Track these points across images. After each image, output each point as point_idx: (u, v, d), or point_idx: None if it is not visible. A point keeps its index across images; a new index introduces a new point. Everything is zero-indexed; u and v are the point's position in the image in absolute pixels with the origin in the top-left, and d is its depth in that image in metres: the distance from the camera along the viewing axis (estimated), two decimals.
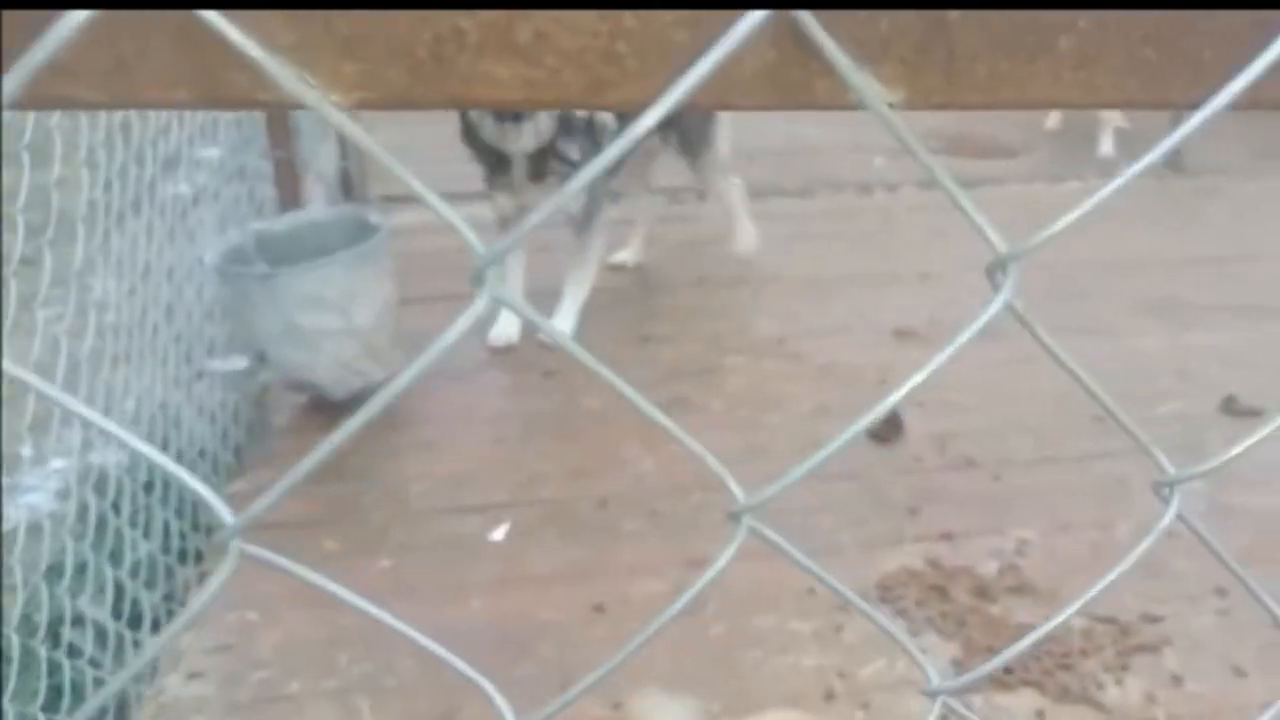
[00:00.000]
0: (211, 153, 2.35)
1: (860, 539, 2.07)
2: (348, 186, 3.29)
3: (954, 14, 0.40)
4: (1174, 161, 4.14)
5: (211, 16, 0.36)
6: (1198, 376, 2.67)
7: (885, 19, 0.40)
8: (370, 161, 3.33)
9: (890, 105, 0.41)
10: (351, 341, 2.23)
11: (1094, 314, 3.04)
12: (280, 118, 2.78)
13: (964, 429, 2.42)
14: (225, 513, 0.46)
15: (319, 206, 2.83)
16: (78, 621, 1.62)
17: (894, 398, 0.43)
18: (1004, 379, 2.43)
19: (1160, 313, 3.05)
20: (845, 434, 0.46)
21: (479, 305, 0.41)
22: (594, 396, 2.53)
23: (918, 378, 0.45)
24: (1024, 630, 1.86)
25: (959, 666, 1.77)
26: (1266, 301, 3.09)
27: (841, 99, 0.41)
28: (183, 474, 0.45)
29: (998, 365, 2.67)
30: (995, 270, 0.44)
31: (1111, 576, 0.52)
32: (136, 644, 1.72)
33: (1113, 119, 4.31)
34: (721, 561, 0.50)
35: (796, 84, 0.40)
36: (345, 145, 3.26)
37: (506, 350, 2.76)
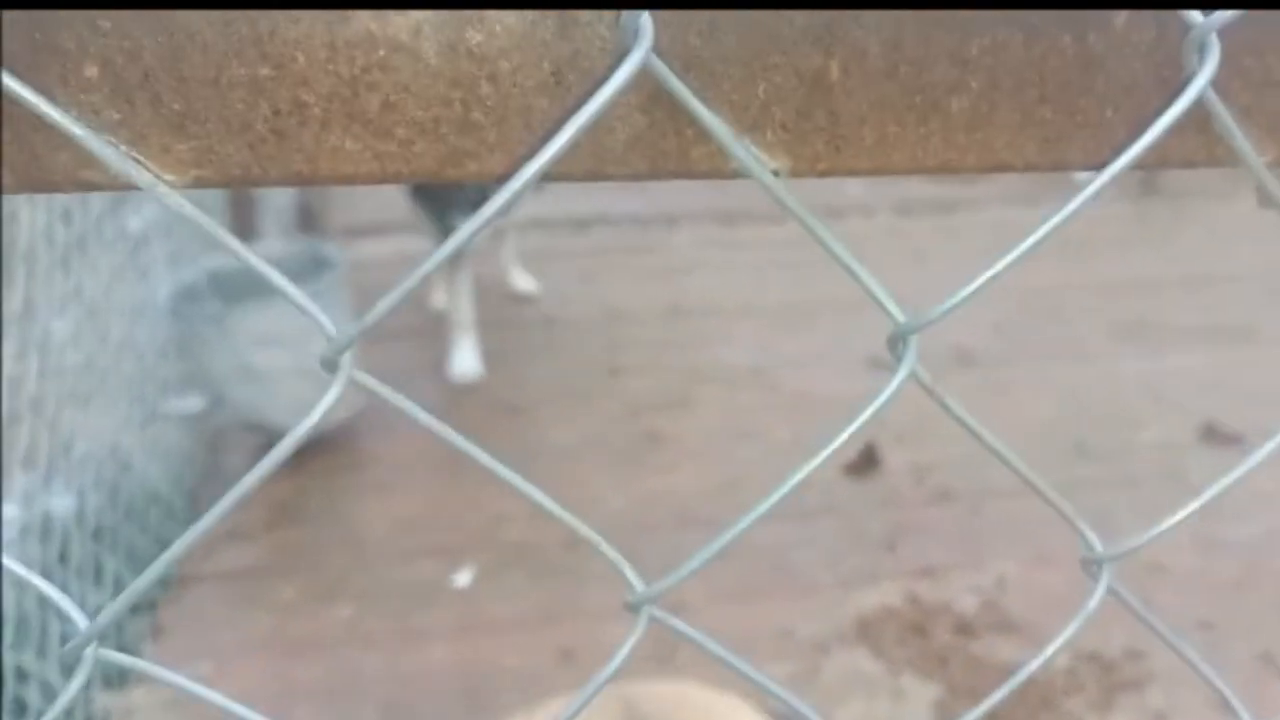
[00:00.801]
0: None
1: (837, 576, 2.04)
2: (307, 219, 3.26)
3: (835, 75, 0.37)
4: (1148, 184, 4.15)
5: (25, 92, 0.33)
6: (1176, 401, 2.65)
7: (763, 82, 0.37)
8: (331, 193, 3.30)
9: (774, 174, 0.38)
10: (308, 381, 2.18)
11: (1071, 337, 3.03)
12: None
13: (942, 460, 2.40)
14: (80, 619, 0.43)
15: (274, 241, 2.79)
16: (22, 677, 1.57)
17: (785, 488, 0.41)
18: (982, 408, 2.41)
19: (1136, 336, 3.05)
20: (748, 517, 0.44)
21: (333, 393, 0.38)
22: (562, 433, 2.50)
23: (821, 457, 0.42)
24: (1007, 669, 1.83)
25: (941, 708, 1.73)
26: (1242, 323, 3.09)
27: (721, 167, 0.38)
28: (34, 579, 0.43)
29: (975, 394, 2.66)
30: (895, 342, 0.41)
31: (1046, 654, 0.49)
32: (87, 700, 1.67)
33: None
34: (622, 653, 0.47)
35: (671, 152, 0.38)
36: None
37: (470, 387, 2.72)
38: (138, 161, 0.35)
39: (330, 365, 0.37)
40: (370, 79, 0.35)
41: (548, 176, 0.36)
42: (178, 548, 0.39)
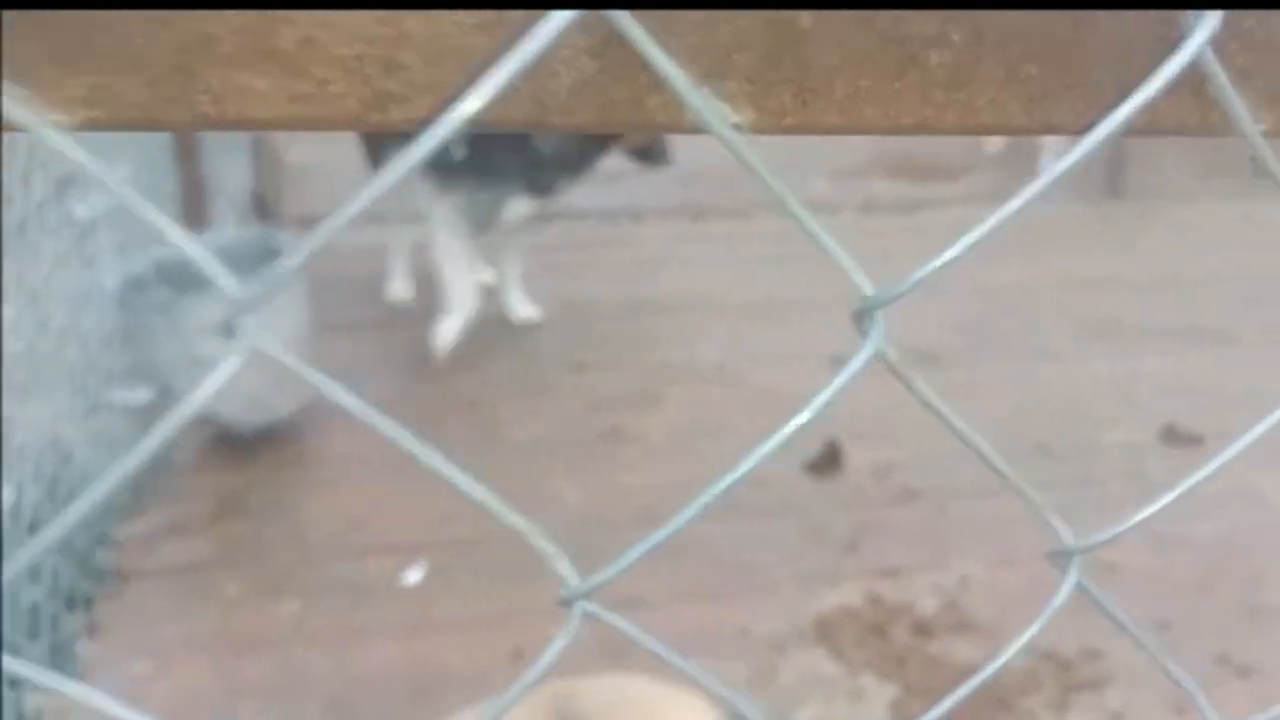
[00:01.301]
0: (121, 171, 2.25)
1: (797, 576, 2.01)
2: (261, 207, 3.18)
3: (807, 20, 0.34)
4: (1113, 185, 4.17)
5: None
6: (1140, 402, 2.67)
7: (725, 25, 0.34)
8: (285, 180, 3.23)
9: (736, 127, 0.35)
10: (258, 373, 2.11)
11: (1037, 338, 3.04)
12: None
13: (905, 459, 2.38)
14: None
15: (227, 229, 2.73)
16: None
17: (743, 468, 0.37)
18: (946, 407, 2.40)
19: (1102, 337, 3.06)
20: (692, 507, 0.40)
21: (233, 362, 0.34)
22: (521, 428, 2.45)
23: (772, 442, 0.39)
24: (964, 669, 1.82)
25: (898, 709, 1.72)
26: (1206, 324, 3.11)
27: (678, 119, 0.35)
28: None
29: (939, 392, 2.64)
30: (862, 317, 0.38)
31: (1011, 652, 0.46)
32: (19, 699, 1.60)
33: (1055, 143, 4.34)
34: (552, 652, 0.44)
35: (623, 101, 0.34)
36: (259, 164, 3.13)
37: (428, 378, 2.66)
38: (20, 100, 0.31)
39: (229, 330, 0.33)
40: (287, 11, 0.31)
41: (484, 124, 0.33)
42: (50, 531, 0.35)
